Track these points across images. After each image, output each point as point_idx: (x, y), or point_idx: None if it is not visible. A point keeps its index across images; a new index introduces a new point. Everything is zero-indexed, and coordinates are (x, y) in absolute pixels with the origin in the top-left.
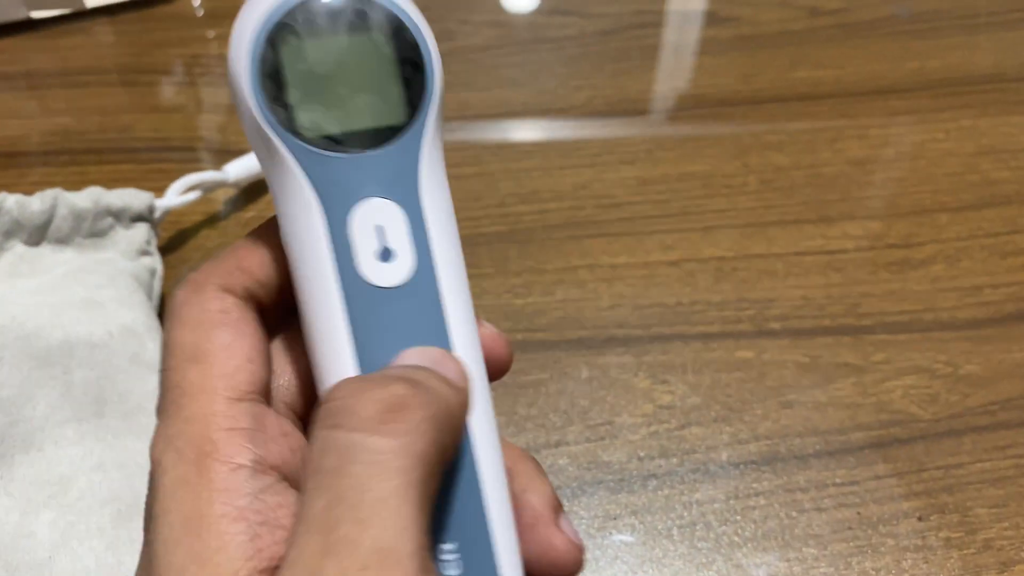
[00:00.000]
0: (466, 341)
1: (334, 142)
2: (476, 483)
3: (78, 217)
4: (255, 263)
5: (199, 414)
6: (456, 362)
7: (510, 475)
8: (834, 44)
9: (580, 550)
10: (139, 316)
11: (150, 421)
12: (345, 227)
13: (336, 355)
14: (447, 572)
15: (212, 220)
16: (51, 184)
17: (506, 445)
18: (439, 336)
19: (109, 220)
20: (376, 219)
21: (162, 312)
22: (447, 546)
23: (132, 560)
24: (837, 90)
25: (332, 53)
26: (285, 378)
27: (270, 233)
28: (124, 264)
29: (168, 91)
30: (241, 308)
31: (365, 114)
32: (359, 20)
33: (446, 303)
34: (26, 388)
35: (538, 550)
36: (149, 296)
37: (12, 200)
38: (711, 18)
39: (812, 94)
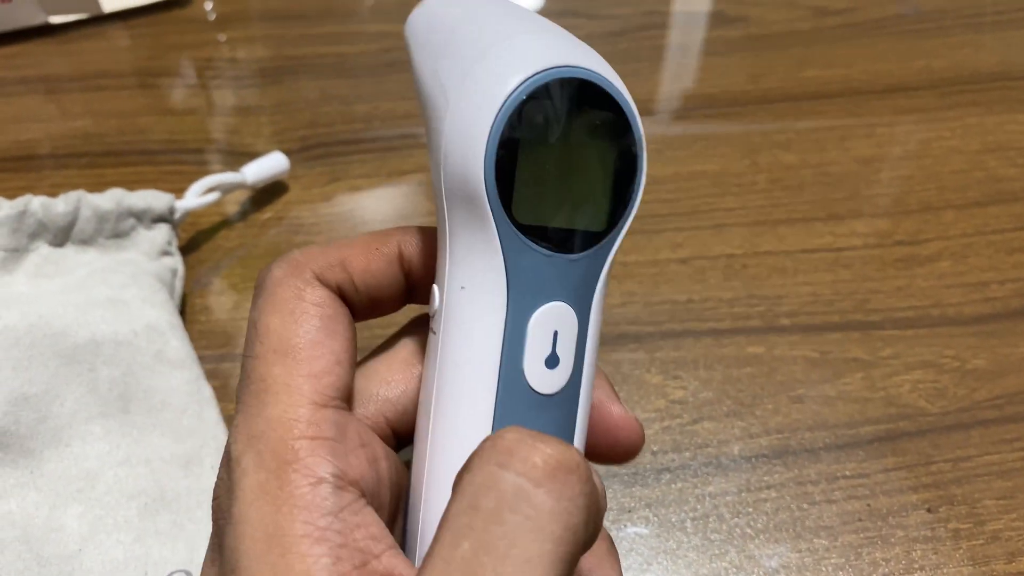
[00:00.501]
0: (583, 442)
1: (542, 236)
2: None
3: (101, 218)
4: (359, 267)
5: (282, 417)
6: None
7: None
8: (841, 43)
9: (638, 424)
10: (162, 314)
11: (174, 417)
12: (524, 325)
13: (468, 440)
14: None
15: (229, 221)
16: (71, 186)
17: None
18: (566, 434)
19: (131, 221)
20: (554, 324)
21: (184, 311)
22: None
23: (159, 553)
24: (845, 89)
25: (567, 142)
26: (382, 389)
27: (386, 249)
28: (146, 264)
29: (183, 94)
30: (335, 304)
31: (578, 217)
32: (603, 118)
33: (581, 409)
34: (53, 385)
35: (602, 427)
36: (171, 295)
37: (37, 202)
38: (719, 18)
39: (820, 93)
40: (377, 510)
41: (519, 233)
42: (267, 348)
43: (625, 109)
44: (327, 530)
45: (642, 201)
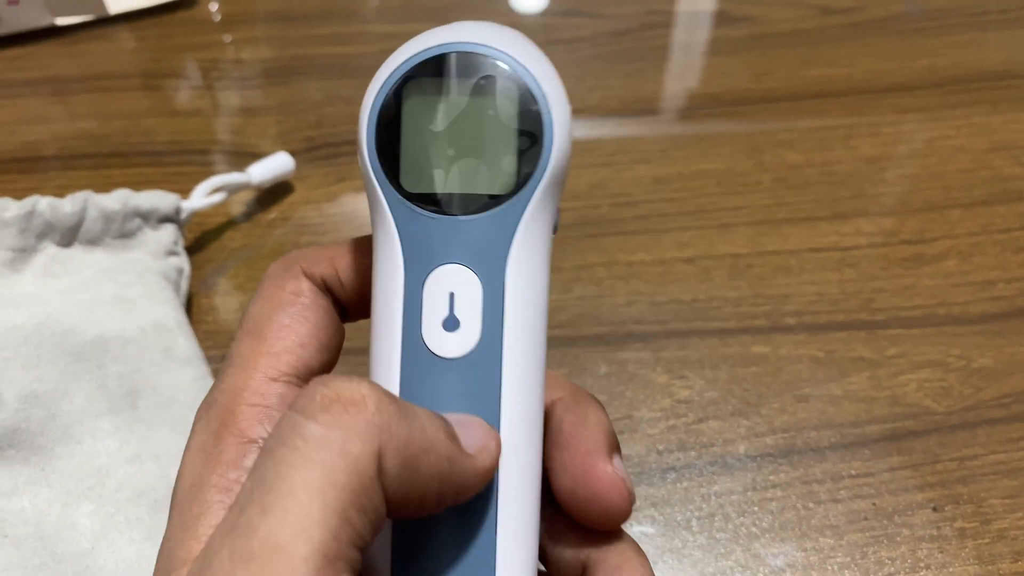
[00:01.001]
0: (518, 421)
1: (430, 201)
2: (491, 557)
3: (108, 219)
4: (344, 263)
5: (233, 386)
6: (483, 432)
7: (568, 408)
8: (845, 42)
9: (627, 488)
10: (169, 312)
11: (183, 413)
12: (420, 289)
13: None
14: None
15: (235, 221)
16: (77, 187)
17: (567, 384)
18: (488, 413)
19: (137, 221)
20: (449, 286)
21: (190, 311)
22: None
23: None
24: (849, 88)
25: (449, 112)
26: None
27: (364, 246)
28: (152, 264)
29: (188, 95)
30: (315, 294)
31: (468, 179)
32: (484, 83)
33: (505, 382)
34: (63, 383)
35: (584, 484)
36: (177, 294)
37: (44, 203)
38: (722, 18)
39: (824, 92)
40: None
41: (404, 200)
42: (243, 331)
43: (518, 77)
44: (235, 482)
45: (647, 200)
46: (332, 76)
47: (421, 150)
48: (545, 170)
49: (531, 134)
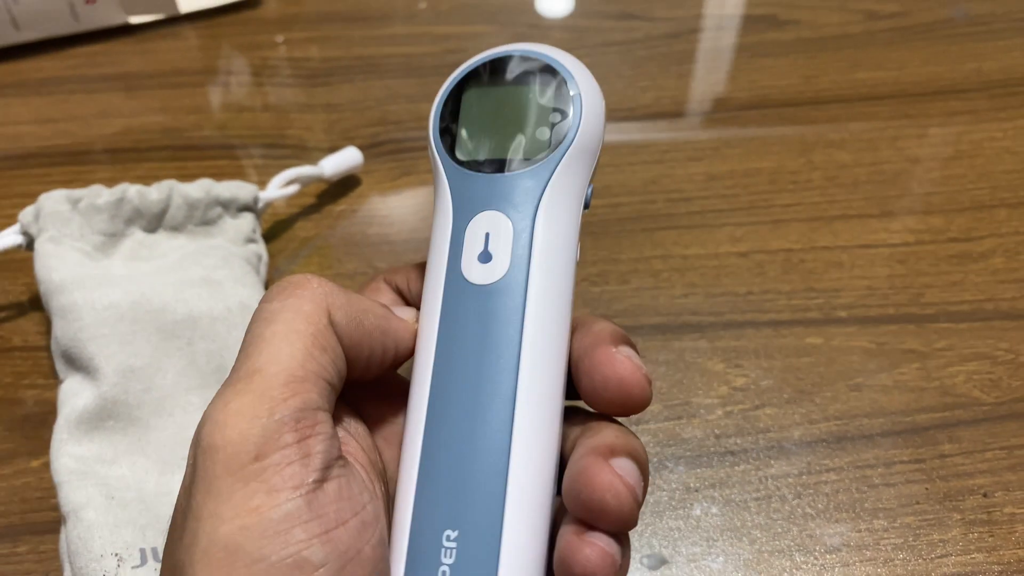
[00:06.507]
0: (540, 340)
1: (476, 165)
2: (502, 479)
3: (191, 206)
4: (413, 275)
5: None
6: (409, 310)
7: (580, 323)
8: (892, 46)
9: (644, 374)
10: (253, 294)
11: None
12: (463, 231)
13: (424, 337)
14: (442, 559)
15: (306, 212)
16: (154, 178)
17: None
18: (512, 331)
19: (218, 210)
20: (486, 227)
21: None
22: (450, 532)
23: None
24: (896, 91)
25: (493, 98)
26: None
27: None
28: (234, 249)
29: (257, 91)
30: (393, 295)
31: (506, 148)
32: (522, 74)
33: (530, 307)
34: (156, 359)
35: (600, 374)
36: (259, 278)
37: (133, 190)
38: (772, 22)
39: (872, 95)
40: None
41: (457, 165)
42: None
43: (553, 70)
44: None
45: (701, 196)
46: (395, 75)
47: (474, 128)
48: (573, 139)
49: (562, 111)
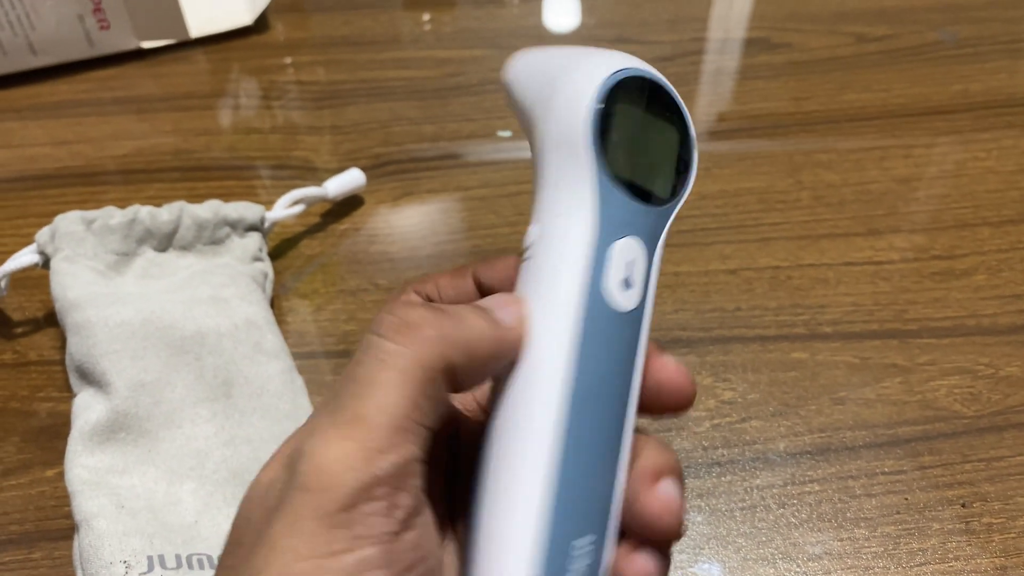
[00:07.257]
0: (641, 365)
1: (632, 187)
2: (615, 478)
3: (200, 226)
4: (443, 283)
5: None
6: (515, 306)
7: None
8: (881, 68)
9: (689, 376)
10: (259, 311)
11: (271, 402)
12: (606, 251)
13: (551, 356)
14: (579, 563)
15: (311, 230)
16: (164, 199)
17: None
18: (637, 359)
19: (226, 229)
20: (630, 254)
21: (273, 311)
22: (585, 539)
23: None
24: (884, 112)
25: (645, 124)
26: None
27: (463, 270)
28: (241, 267)
29: (264, 114)
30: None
31: (652, 179)
32: (669, 112)
33: (643, 331)
34: (165, 373)
35: (652, 379)
36: (264, 295)
37: (145, 211)
38: (765, 45)
39: (860, 116)
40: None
41: (611, 180)
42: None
43: (680, 107)
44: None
45: (692, 215)
46: (398, 98)
47: (626, 145)
48: (688, 188)
49: (685, 161)
